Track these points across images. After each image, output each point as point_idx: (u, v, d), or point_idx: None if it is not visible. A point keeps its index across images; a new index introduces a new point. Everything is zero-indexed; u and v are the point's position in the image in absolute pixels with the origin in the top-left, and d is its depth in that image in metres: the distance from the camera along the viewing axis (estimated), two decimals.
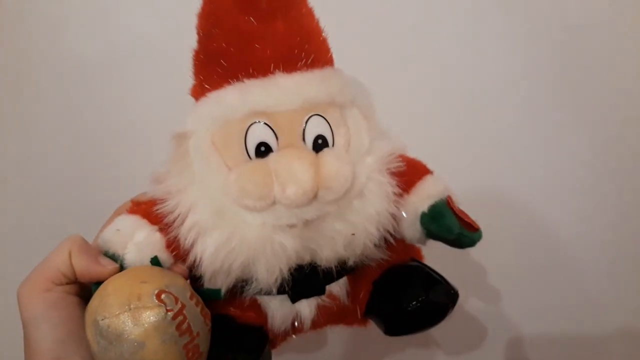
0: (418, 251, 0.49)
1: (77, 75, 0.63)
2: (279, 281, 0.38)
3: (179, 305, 0.34)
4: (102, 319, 0.32)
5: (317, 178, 0.36)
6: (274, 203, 0.36)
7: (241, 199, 0.36)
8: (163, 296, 0.33)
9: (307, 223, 0.37)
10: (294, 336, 0.47)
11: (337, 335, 0.49)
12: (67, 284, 0.35)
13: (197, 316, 0.35)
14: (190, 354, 0.34)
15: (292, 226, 0.37)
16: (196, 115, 0.39)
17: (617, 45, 0.61)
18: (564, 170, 0.64)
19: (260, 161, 0.36)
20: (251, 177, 0.36)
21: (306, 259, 0.39)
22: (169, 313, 0.33)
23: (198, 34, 0.39)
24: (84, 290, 0.36)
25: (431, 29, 0.61)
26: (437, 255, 0.46)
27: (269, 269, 0.37)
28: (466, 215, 0.41)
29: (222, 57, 0.37)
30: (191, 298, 0.36)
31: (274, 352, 0.47)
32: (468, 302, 0.63)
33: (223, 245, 0.36)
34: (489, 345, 0.66)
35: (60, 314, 0.34)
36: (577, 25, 0.60)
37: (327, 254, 0.38)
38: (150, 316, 0.32)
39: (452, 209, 0.40)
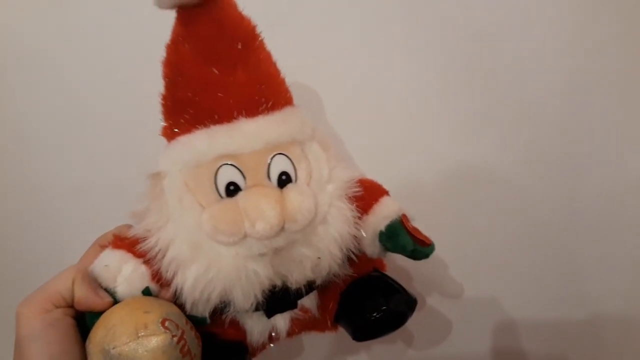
0: (380, 261, 0.53)
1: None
2: (255, 303, 0.43)
3: (180, 331, 0.38)
4: (113, 348, 0.35)
5: (283, 213, 0.40)
6: (245, 237, 0.40)
7: (214, 236, 0.40)
8: (167, 323, 0.37)
9: (276, 251, 0.41)
10: (271, 345, 0.52)
11: (313, 335, 0.53)
12: (65, 307, 0.38)
13: (193, 339, 0.40)
14: None
15: (263, 255, 0.41)
16: (168, 157, 0.42)
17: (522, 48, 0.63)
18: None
19: (230, 200, 0.40)
20: (223, 216, 0.39)
21: (278, 282, 0.43)
22: (174, 338, 0.37)
23: (164, 79, 0.42)
24: (78, 314, 0.39)
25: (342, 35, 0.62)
26: None
27: (244, 295, 0.41)
28: (418, 232, 0.46)
29: (189, 105, 0.41)
30: (187, 323, 0.40)
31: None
32: (432, 295, 0.67)
33: (201, 277, 0.40)
34: (456, 336, 0.69)
35: (56, 332, 0.36)
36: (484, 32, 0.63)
37: (296, 277, 0.43)
38: (159, 342, 0.36)
39: (406, 227, 0.45)
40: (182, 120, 0.41)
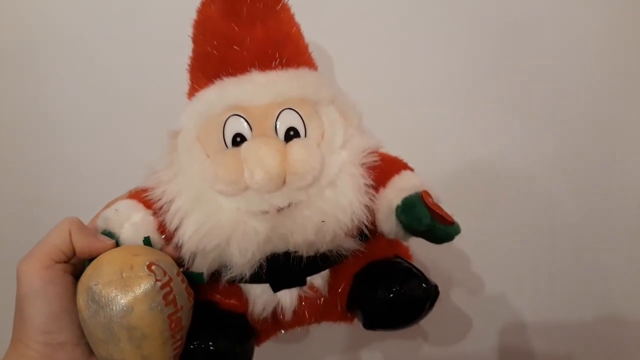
0: (406, 250, 0.49)
1: None
2: (253, 265, 0.40)
3: (167, 278, 0.37)
4: (95, 285, 0.35)
5: (284, 164, 0.38)
6: (246, 189, 0.39)
7: (214, 184, 0.39)
8: (153, 267, 0.37)
9: (279, 211, 0.40)
10: (282, 332, 0.49)
11: (323, 327, 0.49)
12: (65, 262, 0.39)
13: (182, 291, 0.39)
14: (173, 324, 0.37)
15: (264, 213, 0.40)
16: (185, 113, 0.43)
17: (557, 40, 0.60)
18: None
19: (233, 149, 0.40)
20: (223, 163, 0.39)
21: (279, 245, 0.41)
22: (157, 283, 0.36)
23: (192, 40, 0.44)
24: (78, 271, 0.39)
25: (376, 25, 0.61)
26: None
27: (241, 251, 0.39)
28: (440, 208, 0.41)
29: (207, 60, 0.42)
30: (178, 275, 0.39)
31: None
32: (454, 292, 0.62)
33: (200, 227, 0.40)
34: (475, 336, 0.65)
35: (56, 289, 0.36)
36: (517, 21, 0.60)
37: (298, 240, 0.40)
38: (141, 284, 0.35)
39: (425, 201, 0.41)
40: (200, 76, 0.43)
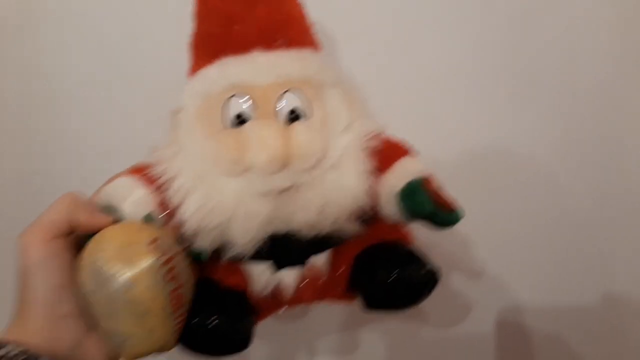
0: (407, 233, 0.49)
1: None
2: (255, 244, 0.41)
3: (170, 254, 0.38)
4: (98, 260, 0.36)
5: (287, 146, 0.38)
6: (248, 169, 0.39)
7: (217, 164, 0.39)
8: (156, 244, 0.37)
9: (281, 192, 0.40)
10: (282, 310, 0.50)
11: (322, 306, 0.50)
12: (65, 237, 0.38)
13: (184, 268, 0.39)
14: (175, 300, 0.38)
15: (267, 194, 0.40)
16: (186, 91, 0.43)
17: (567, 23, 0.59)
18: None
19: (236, 129, 0.40)
20: (225, 143, 0.39)
21: (280, 225, 0.41)
22: (160, 258, 0.36)
23: (193, 19, 0.44)
24: (78, 246, 0.39)
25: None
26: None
27: (243, 231, 0.40)
28: (442, 195, 0.41)
29: (209, 39, 0.42)
30: (180, 252, 0.40)
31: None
32: (455, 274, 0.62)
33: (202, 206, 0.40)
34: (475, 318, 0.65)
35: (58, 262, 0.36)
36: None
37: (299, 221, 0.40)
38: (143, 259, 0.36)
39: (427, 187, 0.40)
40: (202, 54, 0.43)
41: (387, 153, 0.43)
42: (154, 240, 0.37)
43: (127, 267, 0.35)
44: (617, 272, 0.64)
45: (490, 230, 0.60)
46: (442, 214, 0.40)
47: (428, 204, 0.39)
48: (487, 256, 0.63)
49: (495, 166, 0.62)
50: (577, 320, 0.65)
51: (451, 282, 0.64)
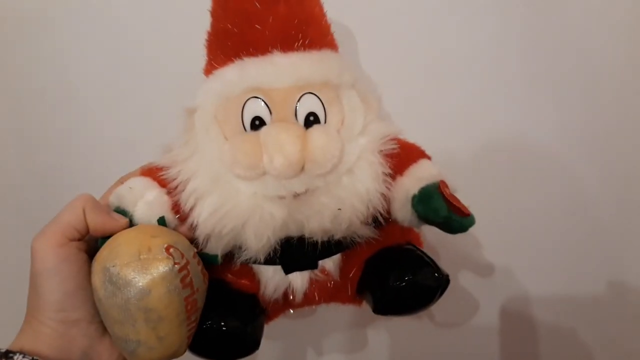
0: (417, 237, 0.49)
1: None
2: (268, 249, 0.41)
3: (184, 261, 0.37)
4: (113, 266, 0.35)
5: (304, 151, 0.38)
6: (264, 174, 0.38)
7: (233, 168, 0.39)
8: (171, 250, 0.36)
9: (296, 196, 0.39)
10: (291, 311, 0.50)
11: (330, 306, 0.50)
12: (79, 239, 0.38)
13: (198, 274, 0.39)
14: (189, 306, 0.37)
15: (281, 198, 0.39)
16: (202, 91, 0.42)
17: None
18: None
19: (253, 133, 0.39)
20: (242, 147, 0.38)
21: (294, 230, 0.40)
22: (175, 266, 0.36)
23: (211, 15, 0.43)
24: (92, 249, 0.39)
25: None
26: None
27: (257, 236, 0.39)
28: (457, 200, 0.41)
29: (227, 37, 0.41)
30: (194, 257, 0.39)
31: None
32: (462, 272, 0.62)
33: (216, 210, 0.39)
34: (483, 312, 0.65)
35: (71, 267, 0.36)
36: None
37: (313, 226, 0.40)
38: (159, 267, 0.35)
39: (442, 192, 0.40)
40: (219, 53, 0.42)
41: (402, 156, 0.43)
42: (170, 247, 0.37)
43: (142, 274, 0.35)
44: (627, 265, 0.63)
45: (499, 222, 0.59)
46: (457, 219, 0.40)
47: (443, 210, 0.39)
48: (496, 249, 0.63)
49: (506, 158, 0.61)
50: (586, 314, 0.64)
51: (460, 276, 0.63)
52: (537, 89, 0.59)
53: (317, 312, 0.63)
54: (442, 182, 0.42)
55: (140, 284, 0.35)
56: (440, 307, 0.63)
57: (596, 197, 0.61)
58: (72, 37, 0.58)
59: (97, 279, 0.36)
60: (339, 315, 0.64)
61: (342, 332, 0.66)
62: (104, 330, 0.38)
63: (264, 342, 0.45)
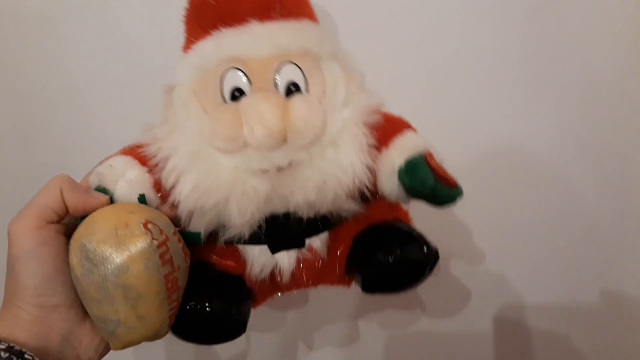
0: (405, 214, 0.48)
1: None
2: (253, 225, 0.39)
3: (164, 237, 0.36)
4: (90, 243, 0.34)
5: (285, 121, 0.37)
6: (245, 146, 0.37)
7: (213, 141, 0.38)
8: (150, 226, 0.35)
9: (280, 170, 0.38)
10: (279, 294, 0.48)
11: (319, 294, 0.49)
12: (57, 222, 0.37)
13: (179, 252, 0.37)
14: (170, 284, 0.36)
15: (264, 172, 0.38)
16: (181, 67, 0.41)
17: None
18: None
19: (233, 105, 0.38)
20: (221, 119, 0.37)
21: (279, 205, 0.39)
22: (154, 242, 0.35)
23: None
24: (71, 231, 0.38)
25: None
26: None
27: (240, 211, 0.38)
28: (444, 170, 0.40)
29: (204, 10, 0.40)
30: (175, 234, 0.38)
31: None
32: (452, 263, 0.61)
33: (198, 186, 0.38)
34: (474, 309, 0.65)
35: (50, 251, 0.35)
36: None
37: (298, 200, 0.39)
38: (137, 242, 0.34)
39: (428, 162, 0.40)
40: (197, 27, 0.41)
41: (386, 128, 0.42)
42: (148, 223, 0.35)
43: (120, 250, 0.34)
44: (623, 272, 0.63)
45: (496, 229, 0.60)
46: (444, 190, 0.39)
47: (430, 179, 0.38)
48: (490, 251, 0.63)
49: (503, 162, 0.61)
50: (581, 321, 0.64)
51: (453, 276, 0.63)
52: (535, 96, 0.59)
53: (308, 304, 0.62)
54: (429, 152, 0.41)
55: (118, 260, 0.33)
56: (435, 313, 0.64)
57: (592, 204, 0.61)
58: (74, 37, 0.58)
59: (74, 256, 0.35)
60: (330, 306, 0.63)
61: (333, 324, 0.65)
62: (84, 315, 0.37)
63: (255, 335, 0.44)
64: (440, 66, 0.58)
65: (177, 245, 0.37)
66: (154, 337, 0.38)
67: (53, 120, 0.60)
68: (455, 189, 0.40)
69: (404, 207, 0.48)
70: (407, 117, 0.52)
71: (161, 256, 0.35)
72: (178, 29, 0.55)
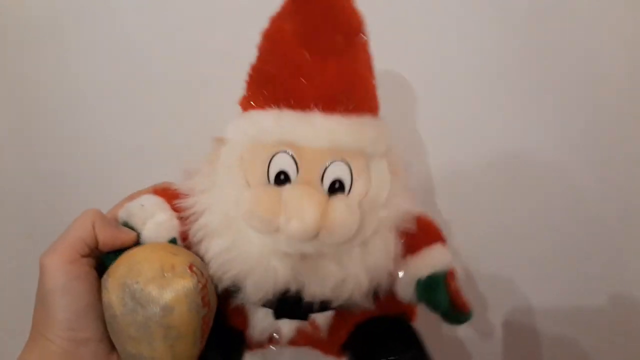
0: (413, 310, 0.49)
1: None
2: (264, 300, 0.40)
3: (204, 280, 0.37)
4: (136, 283, 0.34)
5: (322, 220, 0.37)
6: (277, 230, 0.38)
7: (248, 219, 0.38)
8: (194, 268, 0.36)
9: (303, 257, 0.39)
10: (272, 347, 0.50)
11: None
12: (89, 255, 0.37)
13: (213, 292, 0.39)
14: (205, 326, 0.38)
15: (289, 255, 0.39)
16: (235, 126, 0.41)
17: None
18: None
19: (276, 189, 0.38)
20: (262, 202, 0.37)
21: (293, 287, 0.40)
22: (199, 284, 0.36)
23: (258, 50, 0.41)
24: (100, 265, 0.38)
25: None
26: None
27: (257, 288, 0.39)
28: (460, 295, 0.41)
29: (270, 82, 0.39)
30: (209, 277, 0.39)
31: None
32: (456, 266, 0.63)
33: (223, 253, 0.39)
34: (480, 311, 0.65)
35: (82, 285, 0.35)
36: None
37: (314, 291, 0.40)
38: (184, 285, 0.35)
39: (448, 285, 0.40)
40: (259, 95, 0.40)
41: (419, 236, 0.42)
42: (192, 265, 0.36)
43: (168, 291, 0.34)
44: (629, 274, 0.62)
45: (501, 231, 0.60)
46: (454, 314, 0.40)
47: (445, 303, 0.40)
48: (498, 258, 0.62)
49: (509, 166, 0.60)
50: (588, 323, 0.64)
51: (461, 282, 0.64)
52: (537, 98, 0.59)
53: None
54: (451, 272, 0.41)
55: (163, 302, 0.34)
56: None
57: (597, 206, 0.61)
58: (79, 43, 0.57)
59: (114, 295, 0.35)
60: None
61: None
62: (111, 349, 0.38)
63: None
64: (443, 71, 0.58)
65: (211, 286, 0.39)
66: None
67: (56, 125, 0.60)
68: (466, 314, 0.40)
69: None
70: (410, 118, 0.52)
71: (202, 298, 0.36)
72: (184, 38, 0.55)
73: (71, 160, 0.60)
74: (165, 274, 0.35)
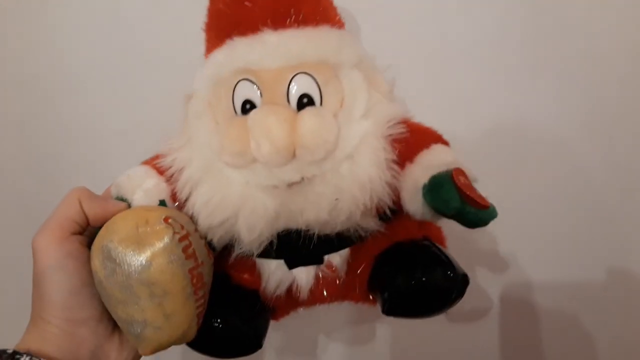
0: (438, 231, 0.44)
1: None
2: (261, 242, 0.38)
3: (185, 232, 0.35)
4: (110, 242, 0.33)
5: (293, 136, 0.34)
6: (253, 161, 0.36)
7: (221, 155, 0.36)
8: (170, 221, 0.34)
9: (291, 185, 0.36)
10: (301, 309, 0.47)
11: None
12: (79, 233, 0.36)
13: (201, 247, 0.37)
14: (194, 279, 0.35)
15: (275, 187, 0.37)
16: (198, 76, 0.40)
17: None
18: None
19: (241, 118, 0.36)
20: (228, 133, 0.36)
21: (289, 222, 0.37)
22: (175, 235, 0.34)
23: None
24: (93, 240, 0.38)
25: None
26: None
27: (249, 228, 0.37)
28: (473, 190, 0.35)
29: (219, 18, 0.39)
30: (196, 231, 0.37)
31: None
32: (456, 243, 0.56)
33: (208, 201, 0.37)
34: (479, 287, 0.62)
35: (75, 263, 0.35)
36: None
37: (309, 218, 0.37)
38: (158, 237, 0.33)
39: (455, 181, 0.35)
40: (213, 37, 0.39)
41: (411, 141, 0.38)
42: (168, 218, 0.35)
43: (141, 246, 0.33)
44: (631, 251, 0.61)
45: (502, 208, 0.54)
46: (472, 212, 0.35)
47: (455, 201, 0.34)
48: (498, 234, 0.61)
49: (509, 143, 0.58)
50: (588, 300, 0.62)
51: (458, 255, 0.60)
52: (540, 73, 0.57)
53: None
54: (457, 169, 0.36)
55: (140, 256, 0.33)
56: None
57: (600, 182, 0.59)
58: (70, 26, 0.58)
59: (95, 259, 0.34)
60: (345, 308, 0.61)
61: (346, 326, 0.64)
62: (112, 329, 0.37)
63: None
64: (444, 46, 0.56)
65: (199, 241, 0.37)
66: (182, 338, 0.36)
67: (50, 110, 0.60)
68: (485, 209, 0.35)
69: (436, 224, 0.44)
70: (411, 97, 0.49)
71: (184, 249, 0.34)
72: (175, 20, 0.55)
73: (61, 144, 0.61)
74: (139, 229, 0.33)
